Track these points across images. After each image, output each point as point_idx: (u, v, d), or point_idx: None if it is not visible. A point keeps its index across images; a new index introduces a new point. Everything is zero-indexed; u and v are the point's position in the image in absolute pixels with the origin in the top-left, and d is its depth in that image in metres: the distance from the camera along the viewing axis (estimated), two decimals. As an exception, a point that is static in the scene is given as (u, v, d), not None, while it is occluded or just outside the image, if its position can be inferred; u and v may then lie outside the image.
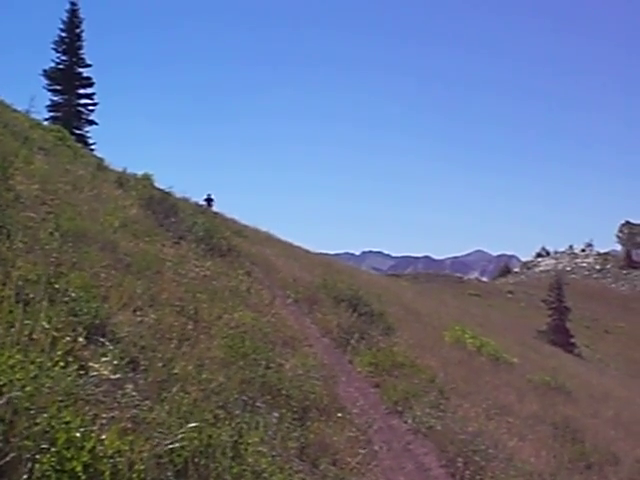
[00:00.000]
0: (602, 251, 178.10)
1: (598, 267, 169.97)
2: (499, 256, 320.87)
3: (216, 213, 33.09)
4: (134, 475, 4.79)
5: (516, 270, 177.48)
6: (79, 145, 33.66)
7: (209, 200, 42.72)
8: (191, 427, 6.06)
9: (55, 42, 46.79)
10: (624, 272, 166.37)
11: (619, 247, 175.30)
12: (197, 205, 31.62)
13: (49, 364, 5.62)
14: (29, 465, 4.56)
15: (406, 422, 12.59)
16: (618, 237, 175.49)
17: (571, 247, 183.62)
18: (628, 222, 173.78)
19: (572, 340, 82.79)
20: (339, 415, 10.67)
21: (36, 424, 4.81)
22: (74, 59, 46.96)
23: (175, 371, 7.76)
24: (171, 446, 5.80)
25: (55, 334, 6.30)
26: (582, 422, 19.52)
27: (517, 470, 10.91)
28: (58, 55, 46.83)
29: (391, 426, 12.34)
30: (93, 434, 4.77)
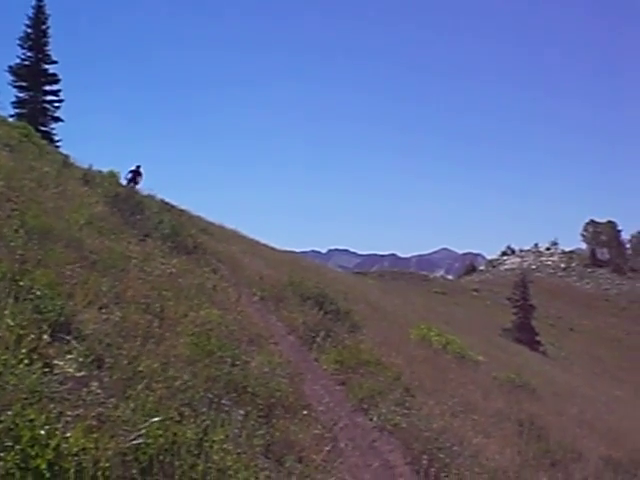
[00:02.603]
0: (567, 249, 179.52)
1: (563, 265, 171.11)
2: (465, 254, 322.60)
3: (182, 210, 32.90)
4: (99, 473, 4.79)
5: (481, 268, 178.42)
6: (44, 142, 33.67)
7: (136, 173, 35.98)
8: (156, 425, 6.06)
9: (21, 38, 46.78)
10: (589, 270, 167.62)
11: (584, 246, 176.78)
12: (163, 202, 31.52)
13: (13, 362, 5.63)
14: (-7, 462, 4.56)
15: (372, 420, 12.61)
16: (583, 236, 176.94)
17: (536, 245, 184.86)
18: (593, 221, 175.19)
19: (537, 338, 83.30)
20: (305, 413, 10.69)
21: (1, 422, 4.82)
22: (40, 55, 46.95)
23: (140, 369, 7.76)
24: (136, 443, 5.80)
25: (20, 332, 6.31)
26: (547, 419, 19.65)
27: (482, 467, 10.96)
28: (24, 51, 46.87)
29: (357, 423, 12.37)
30: (58, 432, 4.77)
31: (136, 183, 35.70)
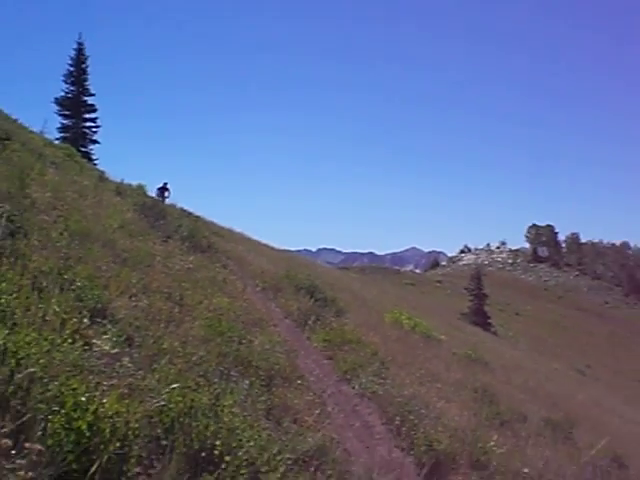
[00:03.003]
0: (513, 248, 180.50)
1: (510, 261, 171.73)
2: (430, 252, 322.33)
3: (198, 216, 32.84)
4: (129, 432, 4.78)
5: (443, 264, 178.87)
6: (84, 161, 33.73)
7: (163, 189, 35.78)
8: (176, 392, 6.06)
9: (65, 75, 47.09)
10: (531, 265, 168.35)
11: (527, 245, 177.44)
12: (182, 210, 31.50)
13: (59, 341, 5.61)
14: (43, 424, 4.56)
15: (354, 388, 12.60)
16: (526, 237, 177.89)
17: (488, 245, 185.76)
18: (534, 224, 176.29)
19: (489, 321, 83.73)
20: (299, 382, 10.67)
21: (48, 390, 4.81)
22: (80, 89, 47.24)
23: (164, 346, 7.76)
24: (159, 407, 5.79)
25: (64, 316, 6.29)
26: (497, 388, 19.66)
27: (444, 427, 10.95)
28: (67, 86, 47.16)
29: (341, 391, 12.36)
30: (96, 398, 4.76)
31: (164, 198, 34.86)
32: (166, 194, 35.72)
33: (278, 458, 6.40)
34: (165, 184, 36.26)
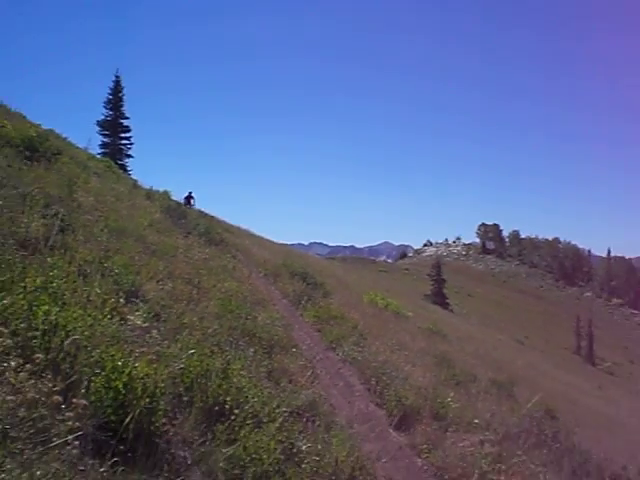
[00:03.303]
0: (466, 242, 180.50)
1: (464, 253, 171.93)
2: (399, 245, 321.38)
3: (212, 216, 32.90)
4: (157, 390, 4.78)
5: (410, 255, 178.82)
6: (121, 171, 33.93)
7: (189, 198, 34.12)
8: (195, 357, 6.06)
9: (105, 102, 47.68)
10: (481, 256, 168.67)
11: (477, 240, 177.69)
12: (200, 211, 31.59)
13: (100, 317, 5.63)
14: (87, 384, 4.58)
15: (338, 354, 12.63)
16: (477, 233, 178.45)
17: (446, 240, 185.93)
18: (483, 223, 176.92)
19: (447, 301, 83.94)
20: (294, 350, 10.68)
21: (91, 357, 4.83)
22: (117, 113, 47.70)
23: (185, 321, 7.75)
24: (181, 369, 5.81)
25: (104, 297, 6.30)
26: (453, 354, 19.71)
27: (410, 385, 10.98)
28: (106, 111, 47.65)
29: (328, 357, 12.37)
30: (130, 363, 4.76)
31: (191, 205, 33.36)
32: (192, 202, 34.09)
33: (277, 411, 6.41)
34: (190, 193, 34.41)
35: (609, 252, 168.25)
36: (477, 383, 15.60)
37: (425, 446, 8.70)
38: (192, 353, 6.18)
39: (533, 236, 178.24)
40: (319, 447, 6.58)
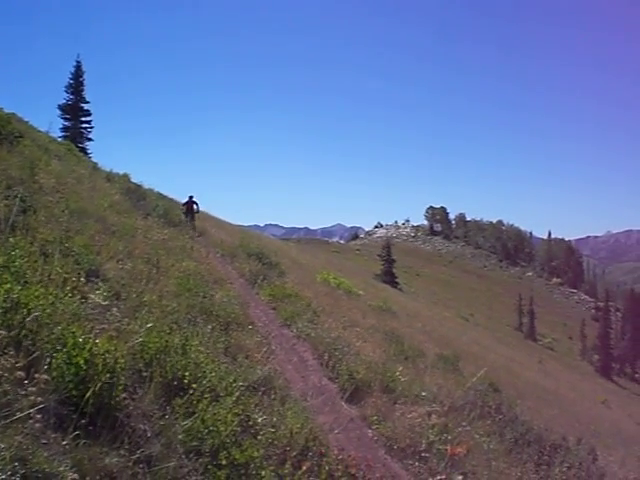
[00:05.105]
0: (415, 224, 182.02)
1: (412, 234, 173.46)
2: (352, 227, 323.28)
3: (171, 198, 32.14)
4: (117, 365, 4.76)
5: (362, 236, 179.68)
6: (81, 154, 33.41)
7: (191, 204, 26.20)
8: (154, 333, 6.04)
9: (66, 86, 46.95)
10: (428, 237, 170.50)
11: (425, 222, 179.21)
12: (159, 193, 30.65)
13: (61, 295, 5.58)
14: (48, 360, 4.55)
15: (292, 331, 12.68)
16: (425, 216, 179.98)
17: (396, 222, 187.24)
18: (431, 206, 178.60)
19: (396, 280, 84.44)
20: (250, 327, 10.70)
21: (53, 334, 4.79)
22: (78, 98, 47.09)
23: (144, 300, 7.70)
24: (141, 345, 5.78)
25: (65, 276, 6.24)
26: (402, 331, 19.93)
27: (362, 360, 11.07)
28: (67, 95, 46.98)
29: (283, 334, 12.41)
30: (90, 340, 4.73)
31: (193, 213, 26.24)
32: (195, 208, 26.58)
33: (234, 385, 6.42)
34: (191, 198, 26.75)
35: (549, 234, 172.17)
36: (424, 358, 15.81)
37: (375, 418, 8.81)
38: (151, 330, 6.16)
39: (478, 219, 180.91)
40: (274, 419, 6.62)
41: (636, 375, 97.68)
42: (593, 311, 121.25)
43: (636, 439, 27.36)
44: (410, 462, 7.82)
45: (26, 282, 5.44)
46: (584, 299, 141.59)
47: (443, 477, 7.40)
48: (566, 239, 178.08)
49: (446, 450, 8.03)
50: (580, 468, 10.29)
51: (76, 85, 47.13)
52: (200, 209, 27.59)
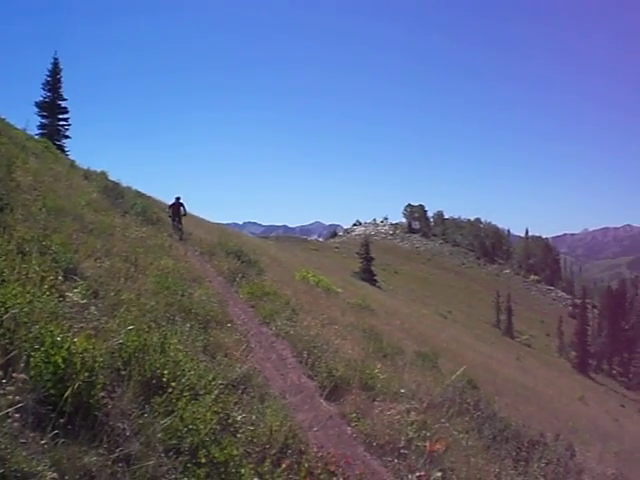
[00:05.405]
0: (393, 222, 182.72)
1: (391, 232, 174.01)
2: (330, 225, 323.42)
3: (149, 196, 31.91)
4: (96, 365, 4.75)
5: (340, 234, 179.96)
6: (58, 152, 33.28)
7: (177, 206, 24.83)
8: (133, 332, 6.02)
9: (43, 84, 47.06)
10: (407, 235, 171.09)
11: (404, 220, 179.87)
12: (137, 191, 30.43)
13: (39, 294, 5.55)
14: (26, 359, 4.53)
15: (272, 329, 12.67)
16: (403, 214, 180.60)
17: (374, 220, 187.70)
18: (410, 204, 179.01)
19: (374, 278, 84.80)
20: (229, 325, 10.69)
21: (31, 332, 4.77)
22: (55, 95, 47.12)
23: (122, 298, 7.67)
24: (119, 344, 5.77)
25: (43, 274, 6.22)
26: (381, 328, 20.02)
27: (341, 358, 11.09)
28: (45, 92, 47.11)
29: (262, 332, 12.41)
30: (69, 338, 4.73)
31: (180, 216, 24.81)
32: (182, 211, 25.20)
33: (213, 383, 6.42)
34: (178, 199, 25.40)
35: (527, 232, 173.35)
36: (403, 355, 15.88)
37: (354, 415, 8.84)
38: (130, 328, 6.14)
39: (456, 216, 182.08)
40: (254, 417, 6.63)
41: (613, 371, 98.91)
42: (570, 308, 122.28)
43: (613, 435, 27.73)
44: (389, 459, 7.86)
45: (3, 281, 5.41)
46: (561, 296, 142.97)
47: (422, 474, 7.44)
48: (543, 237, 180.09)
49: (425, 447, 8.07)
50: (558, 464, 10.38)
51: (53, 82, 47.05)
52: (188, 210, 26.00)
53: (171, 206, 25.38)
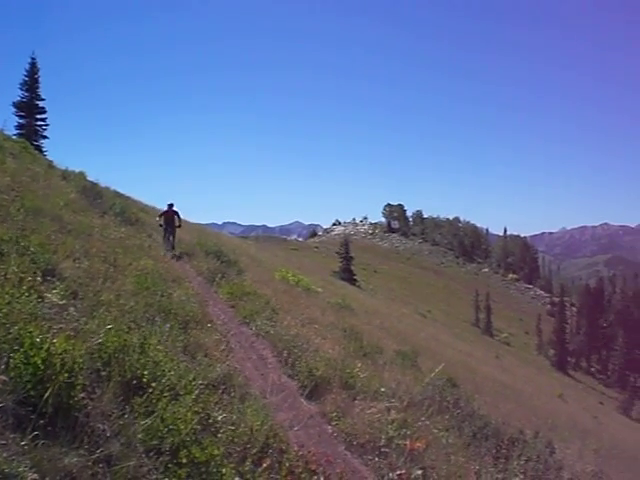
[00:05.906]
0: (373, 222, 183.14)
1: (370, 232, 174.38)
2: (310, 225, 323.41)
3: (128, 197, 31.72)
4: (75, 365, 4.74)
5: (320, 234, 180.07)
6: (36, 152, 33.08)
7: (171, 214, 21.89)
8: (112, 333, 6.00)
9: (21, 84, 46.80)
10: (386, 235, 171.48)
11: (383, 219, 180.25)
12: (116, 192, 30.20)
13: (18, 295, 5.53)
14: (6, 360, 4.52)
15: (252, 329, 12.68)
16: (383, 213, 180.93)
17: (354, 219, 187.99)
18: (389, 204, 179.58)
19: (354, 277, 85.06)
20: (209, 325, 10.67)
21: (10, 333, 4.76)
22: (33, 95, 46.90)
23: (101, 298, 7.64)
24: (99, 344, 5.75)
25: (22, 275, 6.19)
26: (361, 328, 20.05)
27: (321, 357, 11.10)
28: (22, 92, 46.86)
29: (242, 332, 12.42)
30: (48, 339, 4.71)
31: (173, 227, 22.01)
32: (176, 220, 22.30)
33: (193, 384, 6.41)
34: (171, 206, 22.51)
35: (505, 231, 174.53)
36: (383, 354, 15.95)
37: (335, 414, 8.86)
38: (109, 329, 6.12)
39: (435, 216, 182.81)
40: (234, 417, 6.64)
41: (591, 369, 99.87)
42: (549, 306, 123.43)
43: (592, 432, 28.00)
44: (370, 457, 7.89)
45: (-19, 282, 5.39)
46: (540, 294, 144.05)
47: (403, 472, 7.47)
48: (522, 235, 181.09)
49: (405, 445, 8.11)
50: (538, 461, 10.44)
51: (31, 82, 46.84)
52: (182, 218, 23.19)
53: (163, 214, 22.41)
